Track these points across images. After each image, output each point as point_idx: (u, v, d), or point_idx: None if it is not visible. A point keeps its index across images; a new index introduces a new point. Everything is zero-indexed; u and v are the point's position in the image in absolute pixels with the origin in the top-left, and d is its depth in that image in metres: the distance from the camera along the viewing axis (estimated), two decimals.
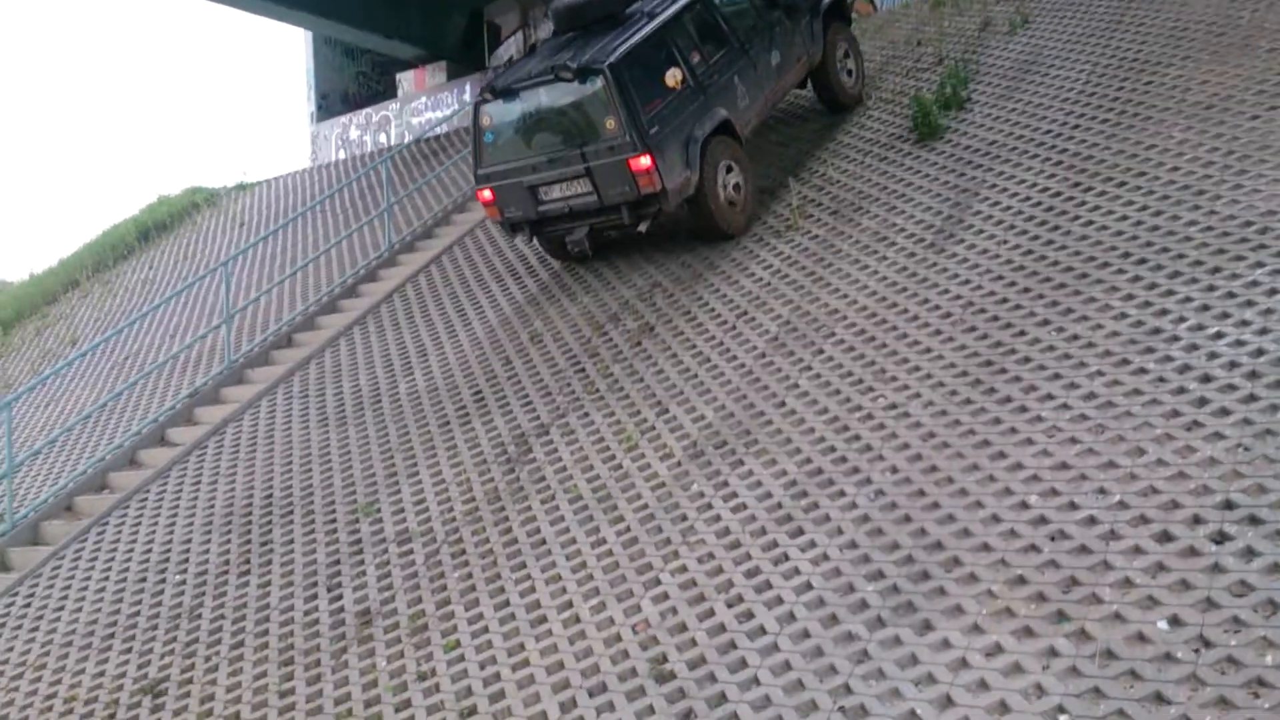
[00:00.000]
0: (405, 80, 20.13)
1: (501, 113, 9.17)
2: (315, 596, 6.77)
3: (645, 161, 8.48)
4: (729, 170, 9.21)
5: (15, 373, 14.59)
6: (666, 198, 8.67)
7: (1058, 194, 7.63)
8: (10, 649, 7.57)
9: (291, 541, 7.50)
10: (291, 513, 7.89)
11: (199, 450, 9.58)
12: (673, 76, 8.89)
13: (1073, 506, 4.94)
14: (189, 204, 19.57)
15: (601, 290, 9.40)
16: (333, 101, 21.25)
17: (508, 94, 9.05)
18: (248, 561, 7.48)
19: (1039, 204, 7.62)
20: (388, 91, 20.93)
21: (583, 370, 8.18)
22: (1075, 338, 6.11)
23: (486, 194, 9.26)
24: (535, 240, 9.69)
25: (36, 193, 71.15)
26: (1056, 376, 5.88)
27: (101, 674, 6.87)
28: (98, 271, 18.00)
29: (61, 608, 7.84)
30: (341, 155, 20.51)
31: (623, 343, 8.33)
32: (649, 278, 9.26)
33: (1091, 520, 4.82)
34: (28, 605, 8.06)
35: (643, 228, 8.96)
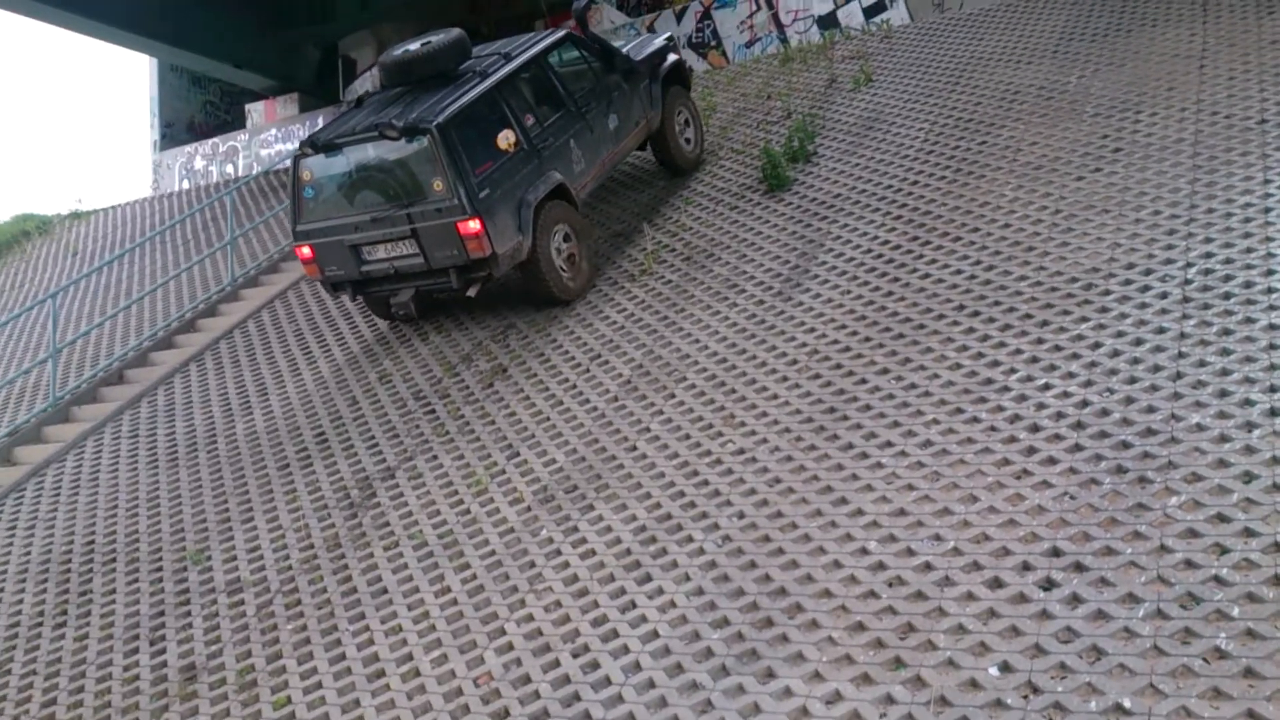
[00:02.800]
0: (255, 111, 19.60)
1: (323, 167, 8.69)
2: (136, 650, 6.38)
3: (474, 225, 8.09)
4: (564, 236, 8.94)
5: None
6: (496, 263, 8.31)
7: (897, 246, 7.88)
8: None
9: (113, 591, 7.07)
10: (114, 560, 7.45)
11: (16, 493, 8.98)
12: (505, 138, 8.56)
13: (910, 553, 5.05)
14: (19, 231, 18.56)
15: (454, 330, 9.26)
16: (177, 130, 20.53)
17: (330, 149, 8.57)
18: (64, 613, 7.02)
19: (880, 255, 7.86)
20: (236, 122, 20.33)
21: (433, 411, 8.02)
22: (913, 386, 6.29)
23: (305, 251, 8.77)
24: (359, 300, 9.34)
25: None
26: (896, 424, 6.03)
27: None
28: None
29: None
30: (185, 185, 19.79)
31: (474, 384, 8.20)
32: (504, 319, 9.17)
33: (927, 566, 4.93)
34: None
35: (471, 292, 8.61)
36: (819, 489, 5.76)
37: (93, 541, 7.81)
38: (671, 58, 10.74)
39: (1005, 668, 4.24)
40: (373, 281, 8.75)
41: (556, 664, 5.14)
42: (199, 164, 19.81)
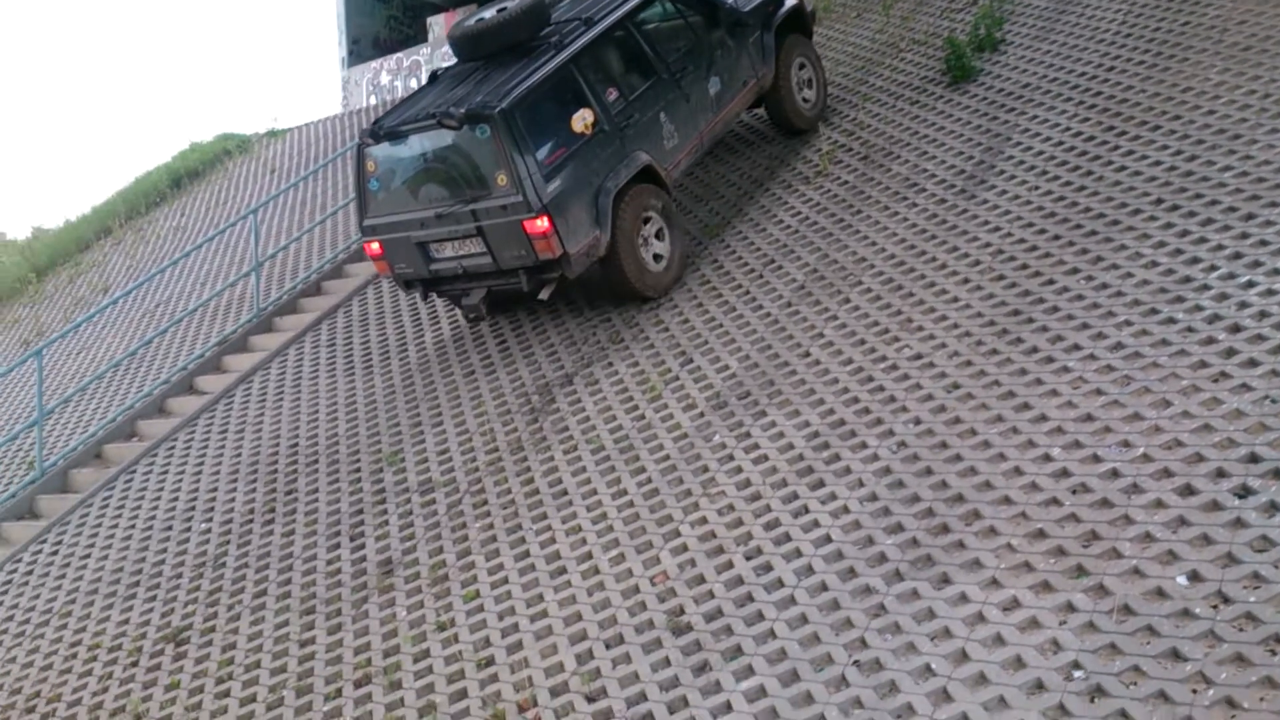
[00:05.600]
0: (435, 24, 19.91)
1: (388, 158, 7.97)
2: (338, 546, 6.82)
3: (542, 224, 7.25)
4: (651, 224, 8.00)
5: (48, 320, 14.74)
6: (569, 263, 7.46)
7: (1091, 138, 7.42)
8: (38, 595, 7.71)
9: (316, 490, 7.55)
10: (317, 462, 7.94)
11: (227, 398, 9.65)
12: (581, 120, 7.64)
13: (1095, 459, 4.85)
14: (221, 151, 19.56)
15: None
16: (364, 47, 21.08)
17: (394, 137, 7.80)
18: (272, 510, 7.55)
19: (1072, 149, 7.43)
20: (418, 36, 20.73)
21: (609, 320, 8.12)
22: (1105, 286, 5.97)
23: (374, 247, 8.11)
24: (431, 299, 8.76)
25: (72, 140, 71.60)
26: (1084, 326, 5.76)
27: (126, 621, 6.98)
28: (130, 218, 18.09)
29: (88, 555, 7.96)
30: (372, 101, 20.38)
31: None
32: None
33: (1114, 473, 4.73)
34: (55, 552, 8.20)
35: (544, 295, 7.81)
36: (1000, 394, 5.57)
37: (296, 444, 8.34)
38: (789, 2, 9.50)
39: (1194, 577, 4.05)
40: (443, 280, 8.07)
41: (730, 565, 5.21)
42: (385, 79, 20.35)
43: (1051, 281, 6.25)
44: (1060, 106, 8.03)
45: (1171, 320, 5.47)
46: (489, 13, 8.16)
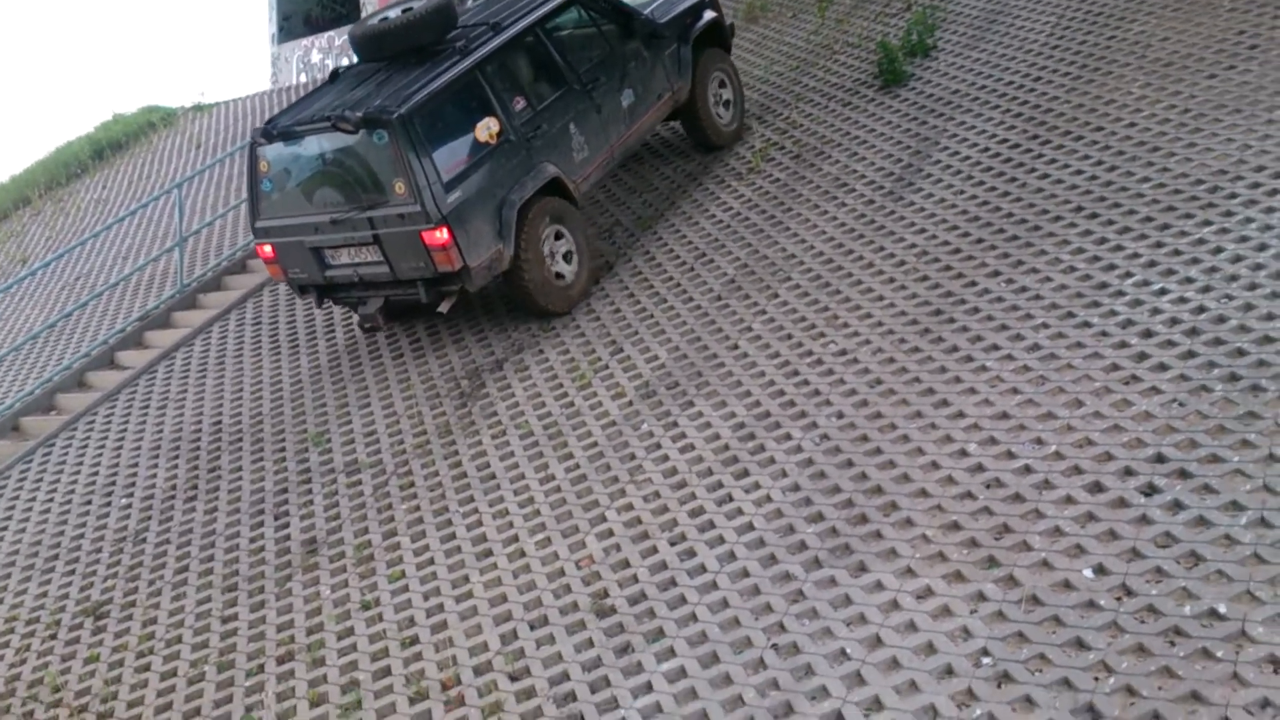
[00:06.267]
0: (369, 3, 19.72)
1: (281, 158, 7.62)
2: (262, 524, 6.78)
3: (442, 236, 7.00)
4: (557, 238, 7.77)
5: None
6: (470, 277, 7.23)
7: (1016, 145, 7.66)
8: None
9: (240, 469, 7.49)
10: (241, 440, 7.86)
11: (149, 374, 9.50)
12: (486, 129, 7.37)
13: (1010, 455, 5.04)
14: (145, 123, 19.13)
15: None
16: (295, 23, 20.79)
17: (288, 137, 7.47)
18: (195, 487, 7.47)
19: (997, 155, 7.65)
20: (351, 15, 20.49)
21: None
22: (1023, 289, 6.19)
23: (267, 250, 7.81)
24: (326, 306, 8.57)
25: None
26: (1003, 327, 5.96)
27: (44, 595, 6.87)
28: (50, 189, 17.64)
29: (5, 528, 7.80)
30: (303, 78, 20.11)
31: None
32: (609, 215, 9.23)
33: (1027, 469, 4.92)
34: None
35: (443, 308, 7.55)
36: (920, 391, 5.75)
37: (220, 421, 8.25)
38: (707, 15, 9.31)
39: (1100, 570, 4.25)
40: (339, 288, 7.80)
41: (654, 550, 5.31)
42: (315, 57, 20.09)
43: (973, 283, 6.44)
44: (987, 113, 8.26)
45: (1086, 324, 5.69)
46: (393, 12, 7.87)
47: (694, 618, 4.83)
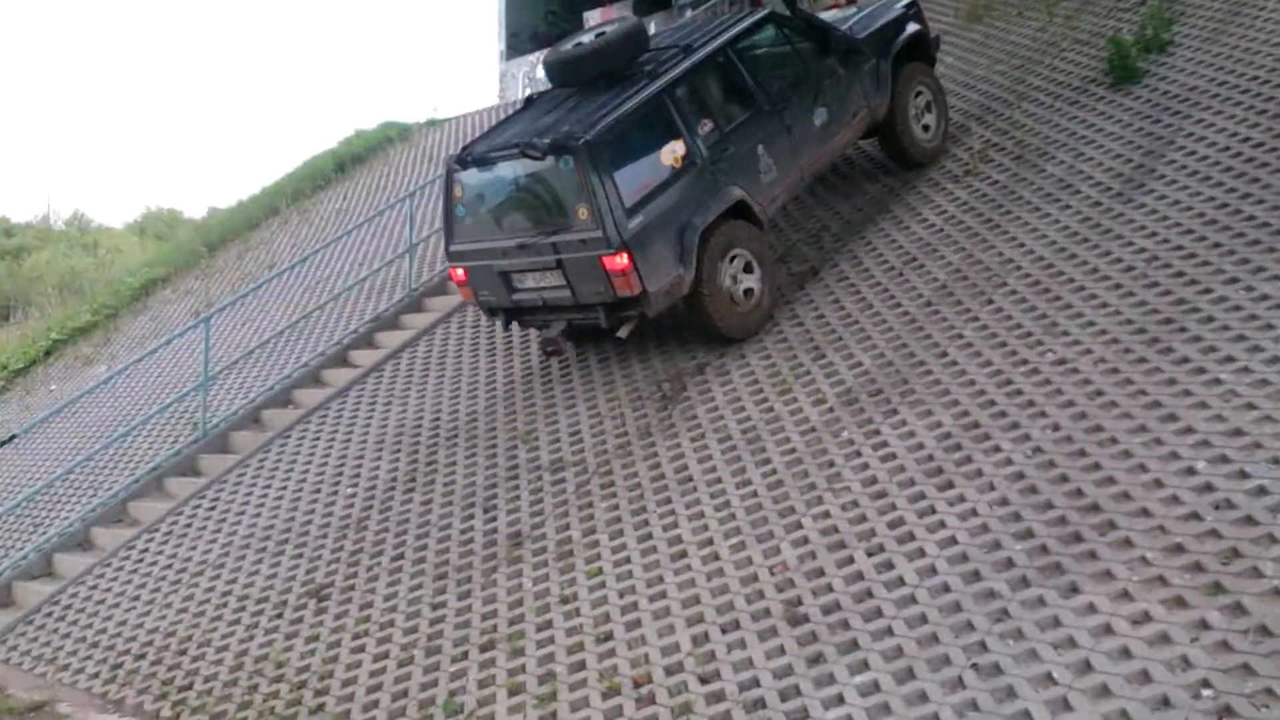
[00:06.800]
0: (591, 19, 20.20)
1: (475, 184, 7.79)
2: (472, 516, 7.04)
3: (622, 261, 7.00)
4: (741, 265, 7.65)
5: (217, 292, 15.58)
6: (649, 302, 7.19)
7: (1260, 144, 7.07)
8: (194, 548, 8.21)
9: (454, 463, 7.81)
10: (456, 436, 8.21)
11: (377, 372, 10.05)
12: (671, 153, 7.34)
13: (1242, 475, 4.66)
14: (383, 138, 20.27)
15: (768, 232, 9.29)
16: (521, 40, 21.54)
17: (482, 163, 7.63)
18: (413, 480, 7.84)
19: (1238, 154, 7.09)
20: (575, 30, 21.08)
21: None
22: (1265, 298, 5.71)
23: (459, 273, 7.98)
24: (513, 328, 8.70)
25: (248, 127, 75.38)
26: (1240, 338, 5.52)
27: (274, 575, 7.37)
28: (296, 200, 18.93)
29: (243, 512, 8.43)
30: (528, 93, 20.83)
31: (786, 286, 8.24)
32: (817, 221, 9.11)
33: (1261, 490, 4.53)
34: (213, 508, 8.70)
35: (623, 333, 7.55)
36: (1145, 404, 5.39)
37: (439, 418, 8.63)
38: (910, 28, 9.02)
39: None
40: (525, 310, 7.91)
41: (850, 560, 5.19)
42: (540, 73, 20.77)
43: (1208, 290, 5.99)
44: (1228, 111, 7.66)
45: None
46: (587, 38, 7.97)
47: (890, 631, 4.69)
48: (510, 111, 8.39)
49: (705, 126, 7.64)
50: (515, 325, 8.34)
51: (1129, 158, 7.74)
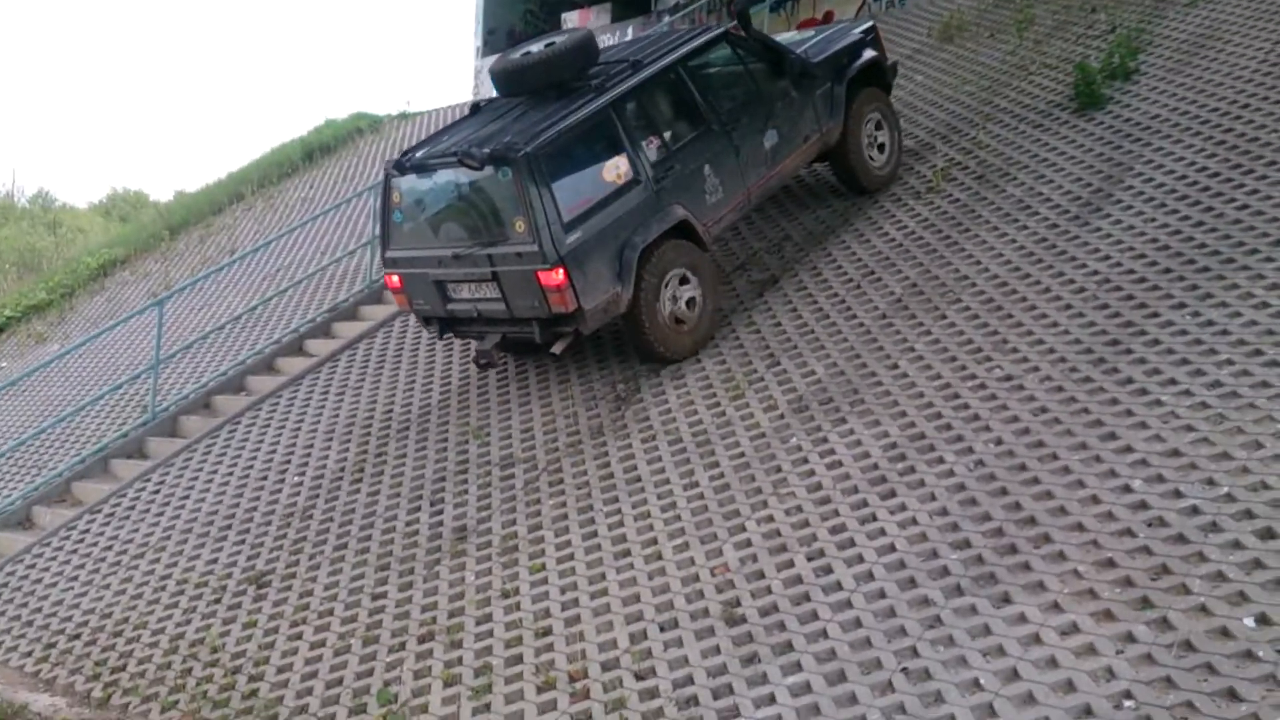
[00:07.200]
0: (570, 20, 20.24)
1: (413, 190, 7.64)
2: (418, 509, 7.01)
3: (557, 277, 6.85)
4: (682, 282, 7.51)
5: (176, 275, 15.43)
6: (584, 319, 7.05)
7: (1216, 174, 7.19)
8: (136, 530, 8.11)
9: (404, 456, 7.77)
10: (408, 429, 8.17)
11: (332, 362, 9.98)
12: (614, 169, 7.20)
13: (1177, 494, 4.73)
14: (354, 128, 20.20)
15: (731, 240, 9.34)
16: (499, 38, 21.51)
17: (420, 170, 7.48)
18: (362, 470, 7.79)
19: (1195, 183, 7.21)
20: (552, 31, 21.09)
21: (719, 303, 8.10)
22: (1210, 324, 5.80)
23: (394, 280, 7.82)
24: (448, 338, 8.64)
25: (215, 110, 74.79)
26: (1184, 362, 5.60)
27: (215, 561, 7.30)
28: (262, 186, 18.81)
29: (188, 496, 8.34)
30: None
31: (746, 293, 8.28)
32: (780, 230, 9.16)
33: (1194, 510, 4.60)
34: (157, 491, 8.60)
35: (557, 349, 7.38)
36: (1087, 422, 5.46)
37: (391, 411, 8.59)
38: (866, 54, 8.91)
39: (1263, 620, 3.93)
40: (460, 321, 7.77)
41: (790, 564, 5.22)
42: None
43: (1155, 314, 6.09)
44: (1188, 140, 7.79)
45: (1276, 363, 5.28)
46: (536, 47, 7.81)
47: (824, 634, 4.72)
48: (447, 124, 8.16)
49: (651, 144, 7.48)
50: (448, 337, 8.22)
51: (1088, 182, 7.85)
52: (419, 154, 7.62)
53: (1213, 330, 5.76)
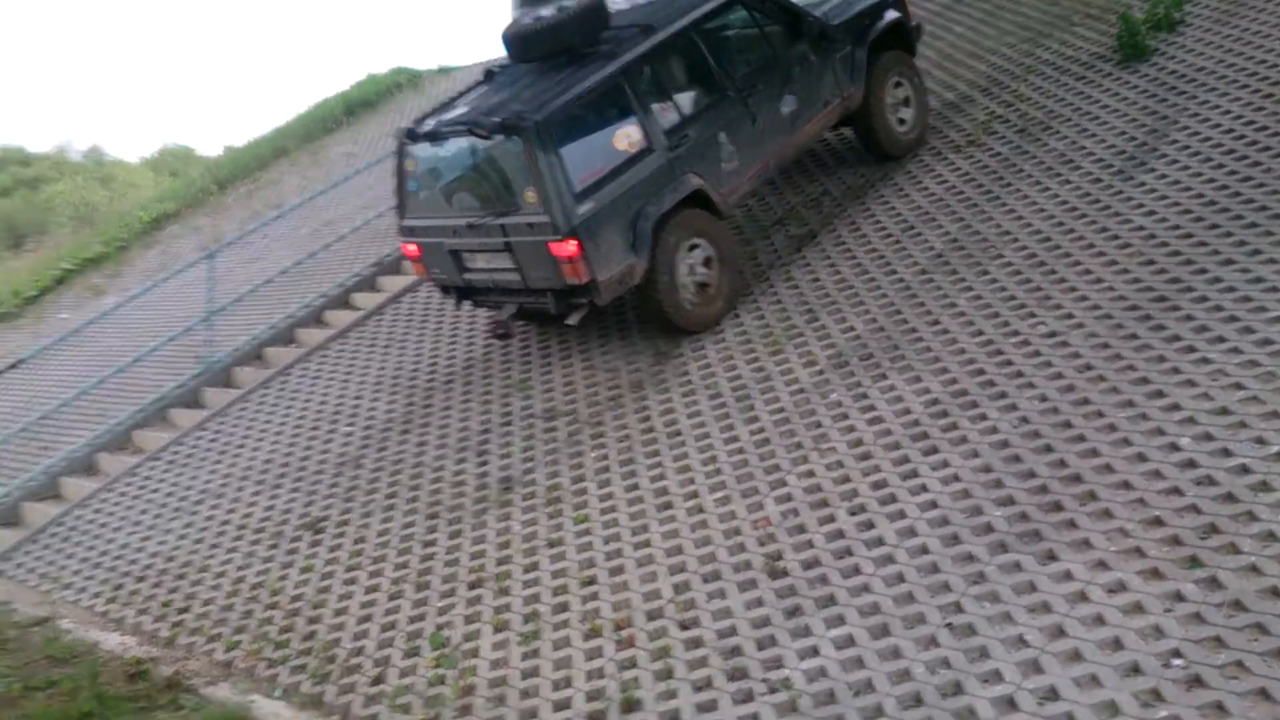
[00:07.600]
0: None
1: (427, 159, 7.54)
2: (465, 460, 7.15)
3: (570, 248, 6.74)
4: (695, 251, 7.36)
5: (225, 229, 15.62)
6: (598, 290, 6.93)
7: (1264, 128, 7.10)
8: (195, 477, 8.34)
9: (449, 408, 7.91)
10: (453, 381, 8.30)
11: (377, 315, 10.13)
12: (625, 138, 7.04)
13: (1226, 453, 4.74)
14: (393, 84, 20.18)
15: (769, 195, 9.33)
16: None
17: (433, 138, 7.37)
18: (409, 421, 7.94)
19: (1241, 136, 7.12)
20: None
21: (739, 273, 8.16)
22: (1259, 280, 5.77)
23: (411, 249, 7.79)
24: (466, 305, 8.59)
25: (258, 65, 74.94)
26: (1232, 319, 5.58)
27: (271, 507, 7.51)
28: (306, 141, 18.91)
29: (243, 445, 8.56)
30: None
31: (784, 249, 8.29)
32: (818, 184, 9.13)
33: (1243, 469, 4.62)
34: (214, 440, 8.84)
35: (573, 320, 7.30)
36: (1133, 379, 5.46)
37: (436, 363, 8.73)
38: (889, 15, 8.60)
39: None
40: (476, 291, 7.72)
41: (832, 519, 5.29)
42: None
43: (1204, 270, 6.05)
44: (1234, 93, 7.68)
45: None
46: (547, 11, 7.59)
47: (867, 589, 4.80)
48: (460, 91, 8.12)
49: (664, 111, 7.32)
50: (466, 305, 8.30)
51: (1132, 135, 7.76)
52: (431, 122, 7.54)
53: (1262, 287, 5.72)
